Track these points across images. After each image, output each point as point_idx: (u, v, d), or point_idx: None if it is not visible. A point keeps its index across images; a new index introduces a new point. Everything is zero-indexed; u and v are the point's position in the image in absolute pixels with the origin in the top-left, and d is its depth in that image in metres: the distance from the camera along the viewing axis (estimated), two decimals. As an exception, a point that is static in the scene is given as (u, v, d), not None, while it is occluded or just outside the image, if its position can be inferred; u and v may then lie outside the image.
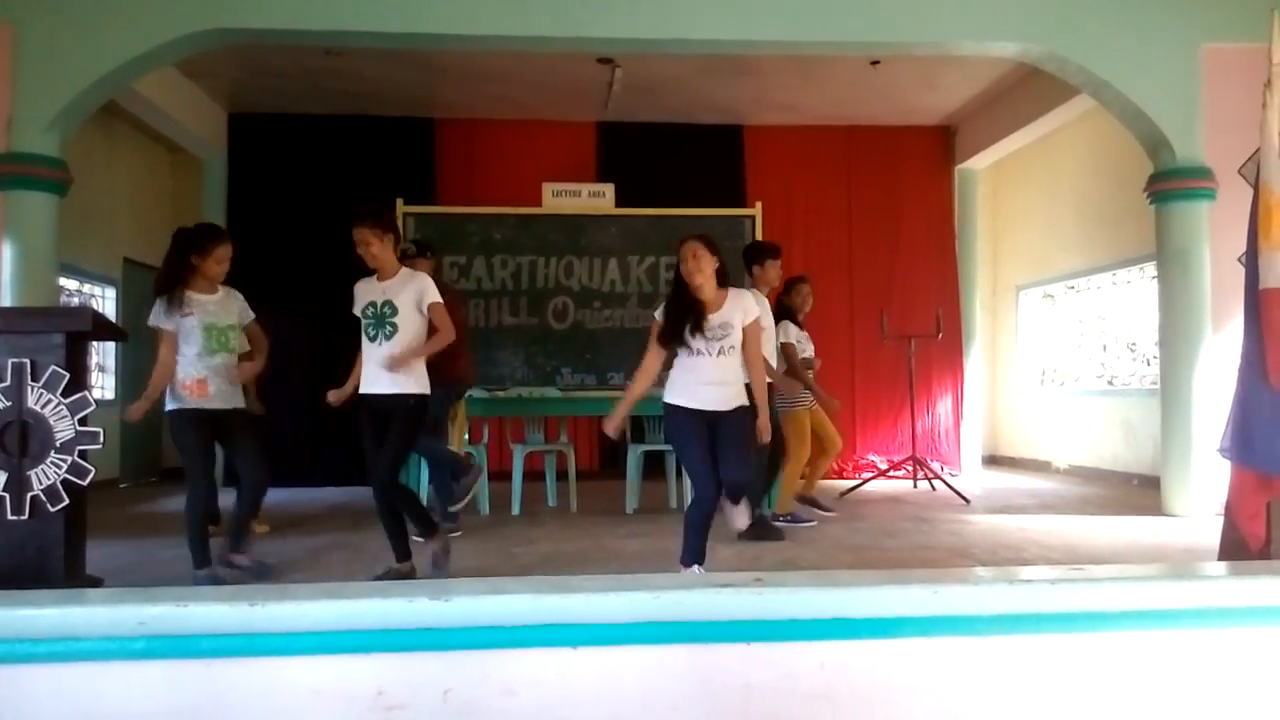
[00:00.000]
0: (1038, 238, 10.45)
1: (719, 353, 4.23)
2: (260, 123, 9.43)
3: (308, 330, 9.08)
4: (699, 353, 4.22)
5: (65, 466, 3.79)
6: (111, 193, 9.10)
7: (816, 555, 5.33)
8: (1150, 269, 8.08)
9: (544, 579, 2.28)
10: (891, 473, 8.89)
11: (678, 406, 4.25)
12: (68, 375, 3.82)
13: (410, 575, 4.47)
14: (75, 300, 8.60)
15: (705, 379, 4.22)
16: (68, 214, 6.59)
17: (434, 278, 5.29)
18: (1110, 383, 9.46)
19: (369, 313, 4.52)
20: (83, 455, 3.83)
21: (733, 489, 4.32)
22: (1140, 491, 8.06)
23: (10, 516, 3.74)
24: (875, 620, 2.11)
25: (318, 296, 9.07)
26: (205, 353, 4.62)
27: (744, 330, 4.27)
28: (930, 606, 2.15)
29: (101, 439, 3.87)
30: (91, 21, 6.25)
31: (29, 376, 3.79)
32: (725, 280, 4.34)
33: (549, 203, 8.64)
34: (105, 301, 9.24)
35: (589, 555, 5.35)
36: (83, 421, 3.83)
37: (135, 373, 9.52)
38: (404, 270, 4.62)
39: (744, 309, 4.30)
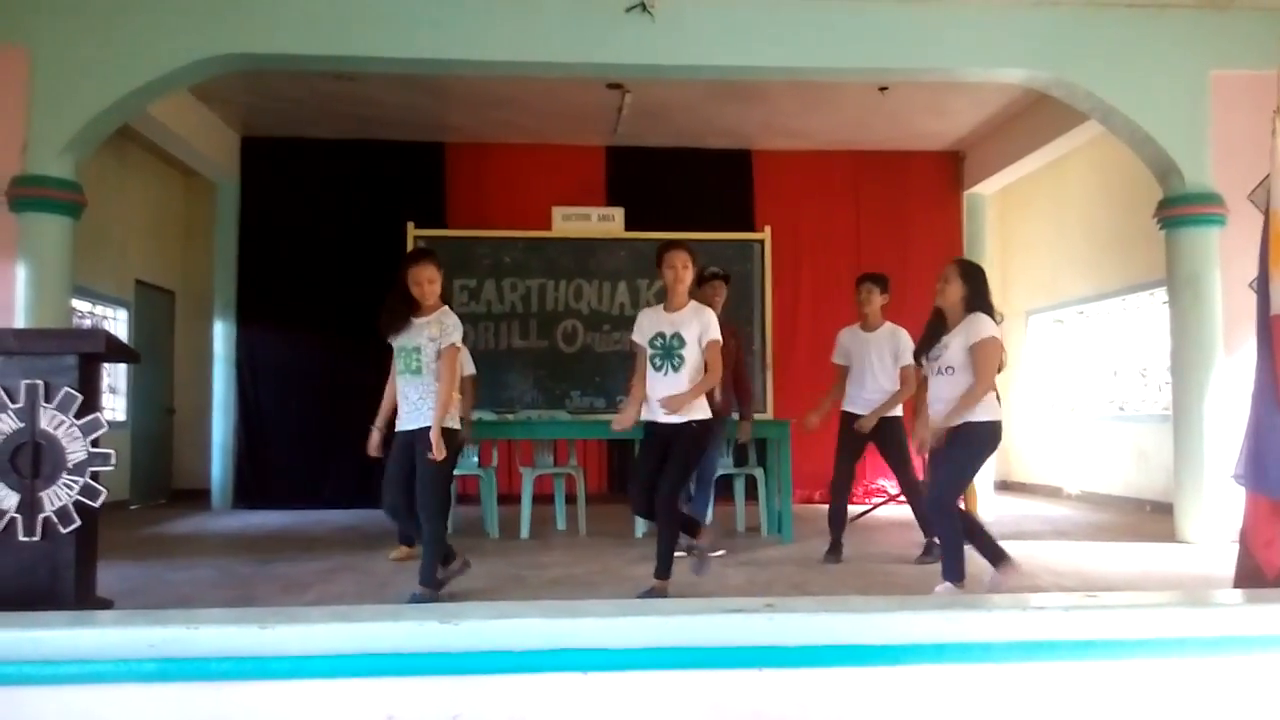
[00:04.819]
0: (1047, 263, 10.45)
1: (937, 372, 4.60)
2: (273, 147, 9.50)
3: (320, 353, 9.13)
4: (928, 372, 4.73)
5: (77, 488, 3.80)
6: (125, 216, 9.17)
7: (828, 581, 5.31)
8: (1160, 294, 8.07)
9: (554, 603, 2.28)
10: (902, 498, 8.83)
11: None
12: (80, 397, 3.84)
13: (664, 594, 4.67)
14: (88, 322, 8.64)
15: (927, 397, 4.69)
16: (81, 236, 6.64)
17: (711, 305, 5.62)
18: (1121, 408, 9.42)
19: (657, 343, 4.72)
20: (94, 477, 3.84)
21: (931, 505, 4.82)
22: (1153, 518, 8.01)
23: (22, 538, 3.75)
24: (887, 647, 2.10)
25: (328, 319, 9.13)
26: (397, 374, 4.70)
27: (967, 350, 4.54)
28: (943, 633, 2.13)
29: (113, 461, 3.87)
30: (106, 46, 6.32)
31: (42, 398, 3.81)
32: (972, 306, 4.63)
33: (558, 226, 8.66)
34: (117, 323, 9.28)
35: (598, 579, 5.33)
36: (95, 443, 3.84)
37: (147, 394, 9.57)
38: (693, 304, 4.79)
39: (967, 331, 4.56)
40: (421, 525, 4.67)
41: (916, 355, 4.80)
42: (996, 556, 4.65)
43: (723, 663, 2.07)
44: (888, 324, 6.05)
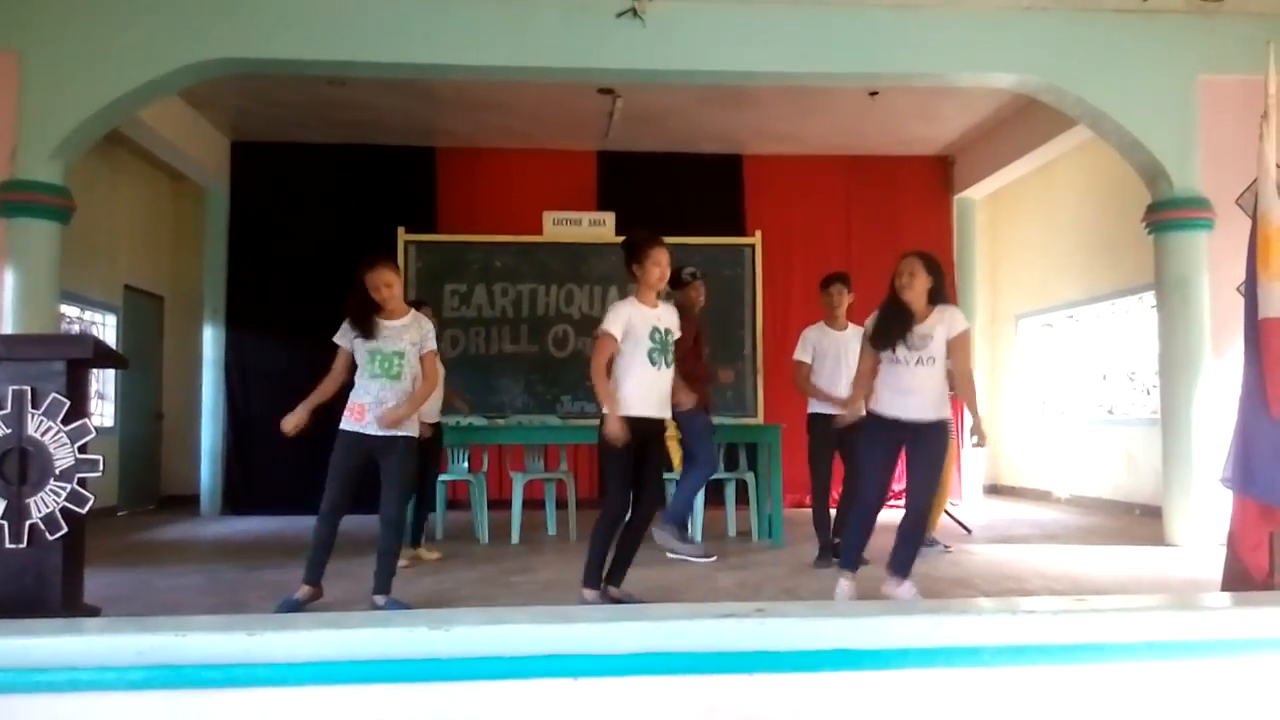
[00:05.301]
0: (1036, 267, 10.49)
1: (917, 362, 4.42)
2: (263, 151, 9.49)
3: (308, 358, 9.06)
4: (896, 361, 4.45)
5: (64, 494, 3.78)
6: (114, 220, 9.14)
7: (819, 585, 5.30)
8: (1149, 298, 8.11)
9: (545, 609, 2.27)
10: (892, 502, 8.82)
11: (875, 413, 4.50)
12: (68, 403, 3.82)
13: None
14: (76, 327, 8.61)
15: (898, 387, 4.45)
16: (70, 241, 6.62)
17: (695, 305, 6.00)
18: (1110, 412, 9.46)
19: (655, 338, 4.57)
20: (82, 483, 3.82)
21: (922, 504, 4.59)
22: (1142, 521, 8.03)
23: (9, 544, 3.73)
24: (878, 651, 2.10)
25: (318, 324, 9.07)
26: (368, 377, 4.56)
27: (948, 343, 4.46)
28: (933, 637, 2.13)
29: (101, 466, 3.86)
30: (96, 50, 6.31)
31: (29, 404, 3.79)
32: (937, 298, 4.53)
33: (550, 231, 8.67)
34: (106, 329, 9.24)
35: (589, 584, 5.31)
36: (82, 449, 3.83)
37: (135, 400, 9.53)
38: (661, 301, 4.76)
39: (949, 323, 4.48)
40: (385, 531, 4.63)
41: (883, 345, 4.52)
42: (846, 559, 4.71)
43: (714, 668, 2.06)
44: (850, 324, 6.08)
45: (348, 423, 4.56)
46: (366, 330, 4.55)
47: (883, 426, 4.50)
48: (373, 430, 4.52)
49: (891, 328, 4.51)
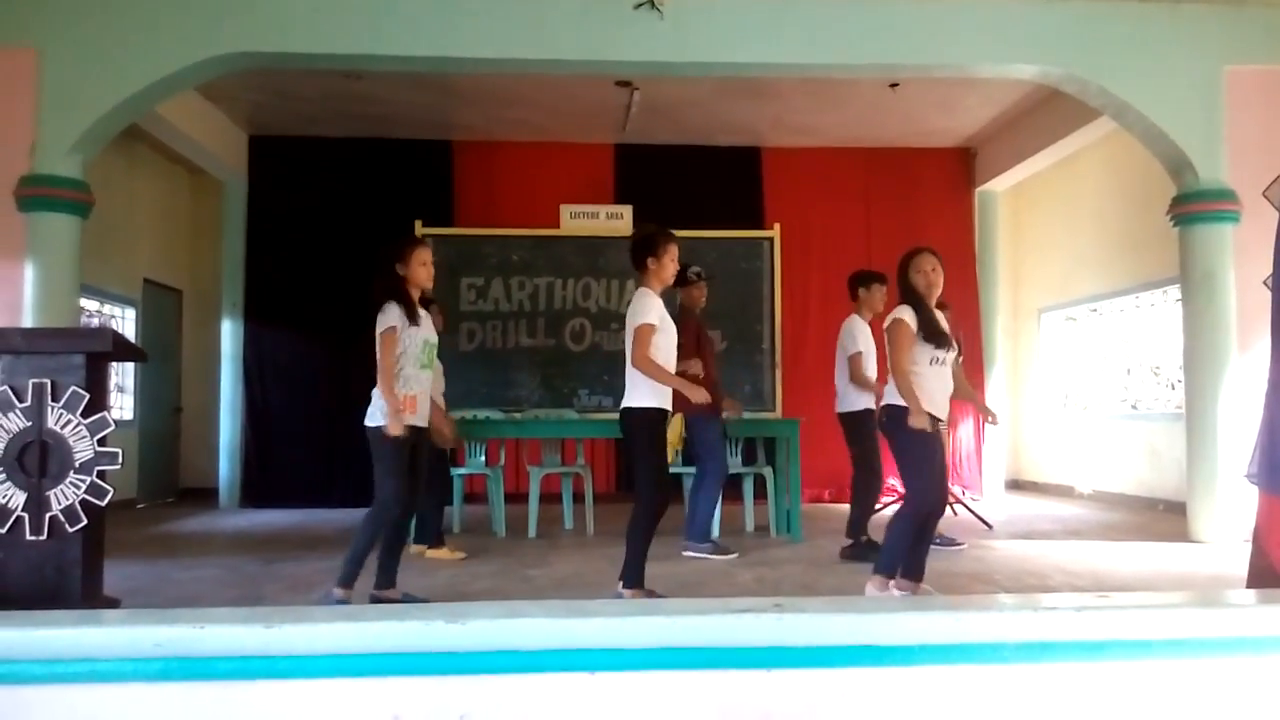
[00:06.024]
0: (1059, 260, 10.41)
1: (946, 361, 4.45)
2: (280, 145, 9.52)
3: (326, 351, 9.13)
4: (941, 362, 4.41)
5: (84, 487, 3.80)
6: (132, 214, 9.20)
7: (836, 580, 5.29)
8: (1173, 292, 8.02)
9: (561, 603, 2.26)
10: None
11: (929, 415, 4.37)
12: (87, 396, 3.84)
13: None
14: (95, 321, 8.67)
15: (944, 387, 4.44)
16: (89, 235, 6.66)
17: (697, 304, 6.18)
18: (1134, 407, 9.37)
19: (674, 333, 4.66)
20: (101, 476, 3.83)
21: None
22: (1166, 517, 7.96)
23: (29, 537, 3.75)
24: (897, 647, 2.08)
25: (336, 318, 9.13)
26: (418, 368, 4.47)
27: None
28: (953, 634, 2.11)
29: (120, 459, 3.87)
30: (114, 46, 6.33)
31: (49, 397, 3.81)
32: None
33: (567, 224, 8.65)
34: (125, 322, 9.31)
35: (606, 579, 5.30)
36: (102, 442, 3.84)
37: (154, 393, 9.60)
38: None
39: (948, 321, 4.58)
40: (407, 522, 4.63)
41: (939, 344, 4.41)
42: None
43: (731, 663, 2.05)
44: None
45: (402, 418, 4.36)
46: (414, 314, 4.43)
47: (932, 425, 4.40)
48: (420, 422, 4.49)
49: (937, 328, 4.44)
